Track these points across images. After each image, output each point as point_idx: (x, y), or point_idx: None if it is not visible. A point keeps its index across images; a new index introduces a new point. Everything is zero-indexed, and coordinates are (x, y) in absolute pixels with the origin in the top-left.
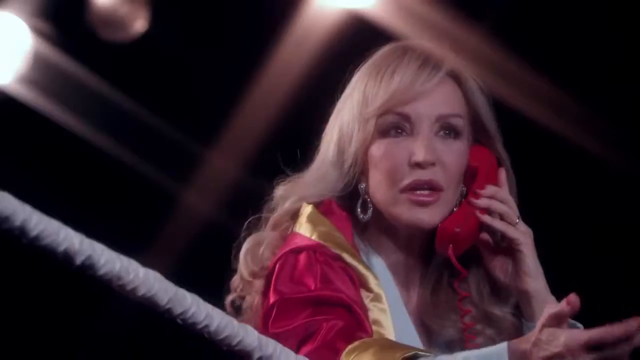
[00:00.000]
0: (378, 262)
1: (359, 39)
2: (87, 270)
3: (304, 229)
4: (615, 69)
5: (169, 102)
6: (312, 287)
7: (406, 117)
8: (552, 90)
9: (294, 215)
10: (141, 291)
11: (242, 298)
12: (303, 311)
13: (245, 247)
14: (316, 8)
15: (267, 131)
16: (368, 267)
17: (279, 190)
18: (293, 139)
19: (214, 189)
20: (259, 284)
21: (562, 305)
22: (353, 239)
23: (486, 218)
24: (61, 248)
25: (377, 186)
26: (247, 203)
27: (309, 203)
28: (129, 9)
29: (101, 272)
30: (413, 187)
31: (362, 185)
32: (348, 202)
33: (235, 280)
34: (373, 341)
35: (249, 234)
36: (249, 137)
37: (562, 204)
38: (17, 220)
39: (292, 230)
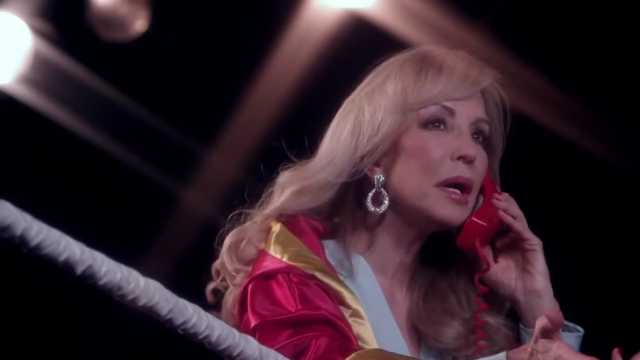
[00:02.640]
0: (362, 266)
1: (358, 39)
2: (87, 280)
3: (274, 250)
4: (615, 69)
5: (168, 102)
6: (293, 309)
7: (451, 112)
8: (552, 90)
9: (281, 213)
10: (142, 301)
11: (225, 289)
12: (287, 331)
13: (227, 241)
14: (316, 8)
15: (267, 131)
16: (342, 284)
17: (282, 177)
18: (293, 138)
19: (214, 189)
20: (240, 277)
21: (545, 322)
22: (325, 256)
23: (508, 218)
24: (62, 258)
25: (405, 177)
26: (247, 203)
27: (279, 220)
28: (129, 9)
29: (102, 281)
30: (451, 184)
31: (379, 177)
32: (343, 195)
33: (216, 267)
34: (368, 353)
35: (232, 228)
36: (249, 137)
37: (562, 204)
38: (18, 230)
39: (269, 233)
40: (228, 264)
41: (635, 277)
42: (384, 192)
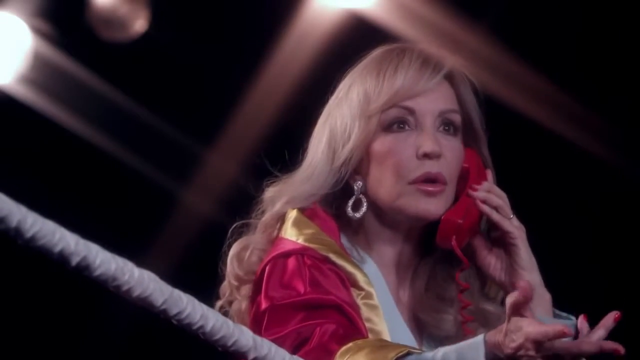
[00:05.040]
0: (368, 263)
1: (359, 39)
2: (82, 271)
3: (290, 234)
4: (615, 69)
5: (168, 102)
6: (302, 291)
7: (411, 111)
8: (551, 90)
9: (281, 219)
10: (136, 292)
11: (230, 303)
12: (295, 316)
13: (232, 251)
14: (316, 8)
15: (266, 131)
16: (356, 266)
17: (269, 192)
18: (292, 139)
19: (214, 189)
20: (246, 289)
21: (514, 297)
22: (340, 240)
23: (485, 208)
24: (57, 249)
25: (380, 181)
26: (247, 203)
27: (294, 208)
28: (129, 9)
29: (97, 273)
30: (422, 180)
31: (358, 183)
32: (336, 202)
33: (224, 287)
34: (365, 342)
35: (235, 240)
36: (249, 137)
37: (560, 203)
38: (13, 221)
39: (278, 234)
40: (232, 275)
41: (634, 274)
42: (363, 198)
